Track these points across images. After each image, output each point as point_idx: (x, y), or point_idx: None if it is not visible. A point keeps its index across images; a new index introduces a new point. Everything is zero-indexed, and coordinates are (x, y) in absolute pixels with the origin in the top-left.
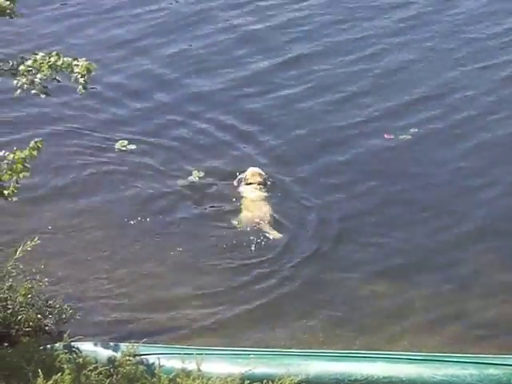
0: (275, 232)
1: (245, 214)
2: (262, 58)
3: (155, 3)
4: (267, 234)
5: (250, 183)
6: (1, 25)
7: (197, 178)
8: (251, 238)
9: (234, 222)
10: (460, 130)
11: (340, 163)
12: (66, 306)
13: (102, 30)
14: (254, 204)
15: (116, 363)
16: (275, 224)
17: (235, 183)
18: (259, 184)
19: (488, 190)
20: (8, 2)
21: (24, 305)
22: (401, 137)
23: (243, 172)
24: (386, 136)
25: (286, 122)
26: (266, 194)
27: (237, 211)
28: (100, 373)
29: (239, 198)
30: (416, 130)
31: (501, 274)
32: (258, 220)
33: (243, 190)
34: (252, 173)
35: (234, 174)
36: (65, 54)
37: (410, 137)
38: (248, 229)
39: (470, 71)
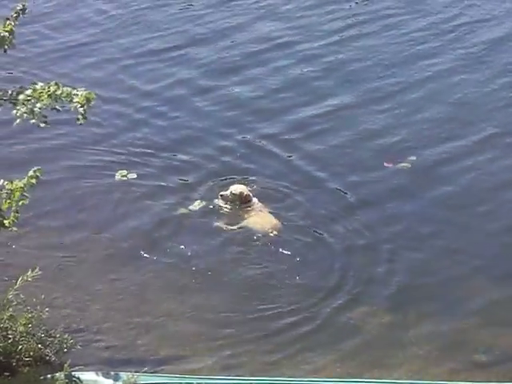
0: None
1: (261, 225)
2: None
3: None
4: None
5: (249, 200)
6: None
7: (197, 207)
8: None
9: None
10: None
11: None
12: (66, 336)
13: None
14: (265, 214)
15: None
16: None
17: (220, 202)
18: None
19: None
20: (7, 34)
21: (24, 335)
22: (401, 164)
23: (224, 191)
24: (385, 164)
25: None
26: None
27: (245, 237)
28: None
29: (245, 216)
30: (414, 158)
31: (505, 303)
32: (274, 227)
33: (248, 206)
34: (246, 189)
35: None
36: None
37: (409, 165)
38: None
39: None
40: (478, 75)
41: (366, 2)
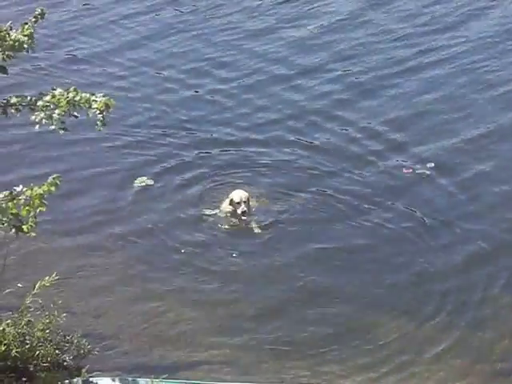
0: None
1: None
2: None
3: None
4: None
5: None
6: None
7: (218, 212)
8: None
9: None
10: None
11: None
12: (84, 341)
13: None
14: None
15: None
16: None
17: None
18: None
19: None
20: (26, 38)
21: (42, 340)
22: (419, 171)
23: (226, 198)
24: (404, 170)
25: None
26: None
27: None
28: None
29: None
30: (433, 164)
31: None
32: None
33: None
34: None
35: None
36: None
37: (428, 172)
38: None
39: None
40: None
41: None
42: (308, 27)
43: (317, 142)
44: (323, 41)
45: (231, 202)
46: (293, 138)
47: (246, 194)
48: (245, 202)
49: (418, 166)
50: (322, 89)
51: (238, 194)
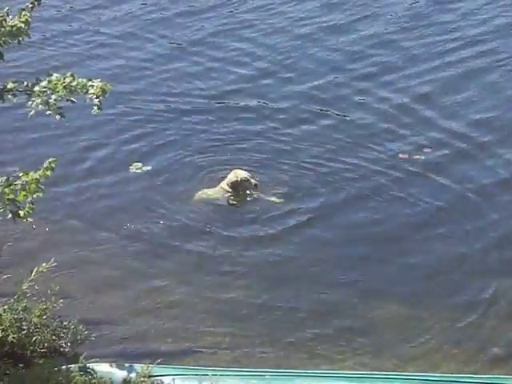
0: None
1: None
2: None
3: None
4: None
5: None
6: None
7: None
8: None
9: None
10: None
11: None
12: (80, 327)
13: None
14: None
15: None
16: None
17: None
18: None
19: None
20: (23, 25)
21: (39, 326)
22: (415, 157)
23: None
24: (400, 156)
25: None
26: None
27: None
28: None
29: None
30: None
31: None
32: None
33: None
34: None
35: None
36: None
37: (423, 157)
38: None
39: None
40: None
41: None
42: None
43: (307, 127)
44: None
45: (236, 183)
46: (294, 116)
47: (243, 172)
48: (251, 176)
49: (414, 151)
50: (329, 69)
51: (242, 173)
